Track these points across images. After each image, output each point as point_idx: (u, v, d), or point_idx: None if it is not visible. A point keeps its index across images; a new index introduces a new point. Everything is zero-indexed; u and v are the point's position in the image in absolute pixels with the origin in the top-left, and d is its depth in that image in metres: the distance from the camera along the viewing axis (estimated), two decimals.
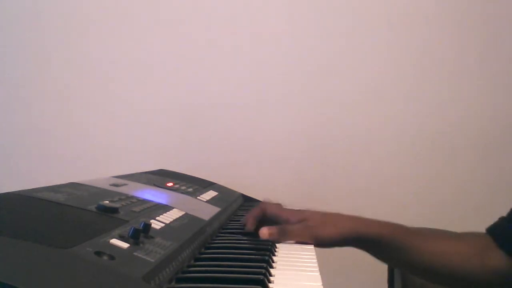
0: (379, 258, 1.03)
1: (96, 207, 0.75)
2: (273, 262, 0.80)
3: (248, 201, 1.47)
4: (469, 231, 1.09)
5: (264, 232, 0.91)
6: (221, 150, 1.82)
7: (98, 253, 0.55)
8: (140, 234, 0.64)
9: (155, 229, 0.73)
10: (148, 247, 0.64)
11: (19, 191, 0.77)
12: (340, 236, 0.94)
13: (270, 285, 0.68)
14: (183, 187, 1.22)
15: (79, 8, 1.86)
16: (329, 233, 0.94)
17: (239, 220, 1.15)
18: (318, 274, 0.75)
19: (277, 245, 0.94)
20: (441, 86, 1.83)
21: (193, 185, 1.29)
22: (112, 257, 0.55)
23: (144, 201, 0.91)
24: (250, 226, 0.98)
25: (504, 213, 1.04)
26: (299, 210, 1.01)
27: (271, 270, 0.75)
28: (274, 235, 0.91)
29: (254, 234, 0.94)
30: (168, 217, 0.84)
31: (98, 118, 1.86)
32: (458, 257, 0.97)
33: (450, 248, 0.98)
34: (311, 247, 0.94)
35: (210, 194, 1.27)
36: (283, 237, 0.93)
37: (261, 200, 1.50)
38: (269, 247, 0.85)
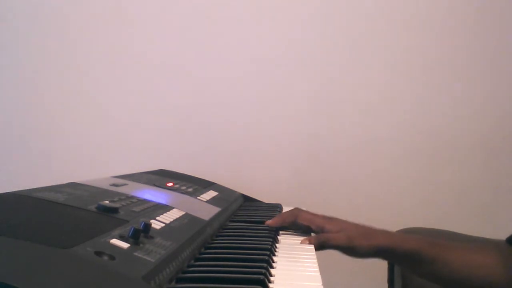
0: (409, 271, 1.06)
1: (96, 207, 0.75)
2: (273, 262, 0.79)
3: (248, 201, 1.47)
4: (489, 238, 1.10)
5: (305, 243, 0.97)
6: (221, 150, 1.82)
7: (98, 253, 0.55)
8: (140, 234, 0.64)
9: (155, 229, 0.73)
10: (148, 247, 0.64)
11: (19, 191, 0.77)
12: (375, 248, 0.99)
13: (270, 285, 0.68)
14: (183, 187, 1.22)
15: (79, 7, 1.86)
16: (367, 244, 0.99)
17: (239, 220, 1.15)
18: (318, 274, 0.75)
19: (277, 245, 0.94)
20: (443, 88, 1.83)
21: (193, 185, 1.29)
22: (112, 257, 0.55)
23: (144, 201, 0.91)
24: (273, 224, 1.04)
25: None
26: (332, 217, 1.05)
27: (271, 270, 0.74)
28: (315, 246, 0.96)
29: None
30: (168, 217, 0.84)
31: (98, 118, 1.85)
32: (485, 269, 0.99)
33: (477, 261, 1.00)
34: (311, 247, 0.94)
35: (210, 194, 1.27)
36: (323, 246, 0.98)
37: (260, 200, 1.50)
38: (269, 247, 0.85)
